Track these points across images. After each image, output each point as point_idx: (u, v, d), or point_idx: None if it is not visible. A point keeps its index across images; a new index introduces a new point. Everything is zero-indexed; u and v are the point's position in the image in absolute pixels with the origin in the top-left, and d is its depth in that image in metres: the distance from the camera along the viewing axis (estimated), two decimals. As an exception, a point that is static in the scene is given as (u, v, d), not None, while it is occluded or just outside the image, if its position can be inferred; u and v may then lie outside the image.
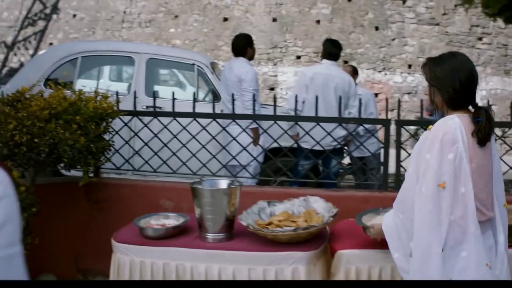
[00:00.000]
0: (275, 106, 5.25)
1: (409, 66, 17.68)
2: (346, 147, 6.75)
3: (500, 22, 17.73)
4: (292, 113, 6.05)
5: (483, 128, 2.85)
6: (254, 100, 5.35)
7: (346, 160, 8.17)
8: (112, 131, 5.04)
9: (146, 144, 5.31)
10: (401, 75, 17.67)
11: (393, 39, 17.74)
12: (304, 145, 5.71)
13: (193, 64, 7.45)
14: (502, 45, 17.83)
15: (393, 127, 5.06)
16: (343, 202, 4.78)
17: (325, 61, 6.65)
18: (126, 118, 5.25)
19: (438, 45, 17.67)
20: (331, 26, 17.56)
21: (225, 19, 17.95)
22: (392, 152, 5.03)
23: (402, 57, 17.70)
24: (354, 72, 7.42)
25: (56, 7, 18.57)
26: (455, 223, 2.75)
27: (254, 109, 5.34)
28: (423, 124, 5.21)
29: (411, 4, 17.86)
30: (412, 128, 10.85)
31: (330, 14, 17.75)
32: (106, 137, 4.97)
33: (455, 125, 2.84)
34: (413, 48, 17.71)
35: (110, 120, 4.87)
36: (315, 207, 3.98)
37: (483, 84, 17.69)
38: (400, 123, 5.04)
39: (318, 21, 17.67)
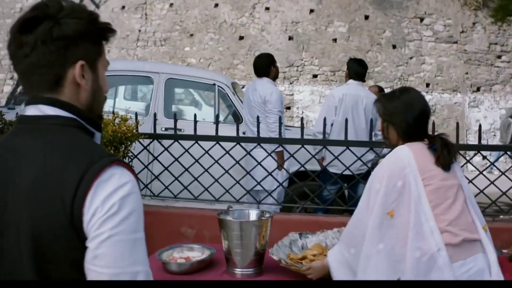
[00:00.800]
0: (302, 128, 4.99)
1: (427, 85, 17.43)
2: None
3: (519, 40, 17.49)
4: (320, 136, 5.77)
5: (441, 154, 2.93)
6: (280, 123, 5.09)
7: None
8: (131, 155, 4.80)
9: (166, 168, 5.06)
10: (419, 94, 17.36)
11: (411, 58, 17.51)
12: (332, 170, 5.42)
13: (214, 84, 7.22)
14: (521, 63, 17.57)
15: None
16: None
17: (351, 81, 6.38)
18: (145, 141, 5.02)
19: (456, 63, 17.44)
20: (348, 45, 17.36)
21: (241, 38, 17.80)
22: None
23: (420, 75, 17.46)
24: (380, 92, 7.16)
25: (71, 25, 18.46)
26: (412, 254, 2.75)
27: (280, 132, 5.08)
28: (460, 148, 4.93)
29: (429, 22, 17.65)
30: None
31: (347, 32, 17.56)
32: (126, 161, 4.74)
33: (403, 153, 2.91)
34: (431, 67, 17.47)
35: (129, 143, 4.63)
36: None
37: (502, 103, 17.41)
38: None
39: (335, 40, 17.48)
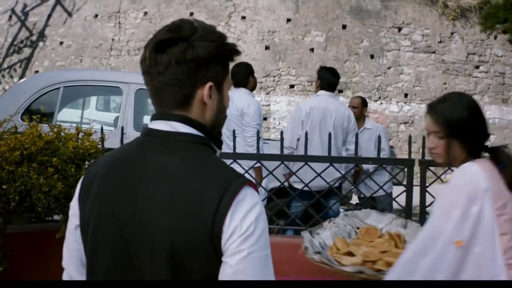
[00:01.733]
0: (282, 143, 4.63)
1: (405, 95, 17.25)
2: (353, 185, 6.11)
3: (496, 50, 17.39)
4: (286, 152, 5.42)
5: None
6: (258, 137, 4.73)
7: (354, 200, 7.59)
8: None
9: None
10: (397, 104, 17.23)
11: (389, 68, 17.32)
12: (298, 186, 5.05)
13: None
14: (499, 73, 17.47)
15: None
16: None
17: (322, 92, 5.95)
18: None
19: (434, 74, 17.29)
20: (325, 54, 17.12)
21: (216, 47, 17.45)
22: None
23: (398, 86, 17.27)
24: (363, 104, 6.80)
25: (43, 34, 18.05)
26: None
27: (258, 147, 4.71)
28: (451, 165, 4.62)
29: (407, 32, 17.49)
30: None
31: (324, 42, 17.33)
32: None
33: (475, 173, 2.49)
34: (409, 77, 17.30)
35: (93, 161, 4.24)
36: (372, 224, 3.31)
37: (481, 114, 17.24)
38: (426, 164, 4.44)
39: (312, 49, 17.24)
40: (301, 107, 5.89)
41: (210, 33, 1.63)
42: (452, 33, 17.52)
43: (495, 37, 17.42)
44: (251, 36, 17.40)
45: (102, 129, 4.69)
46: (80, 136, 4.24)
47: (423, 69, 17.37)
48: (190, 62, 1.59)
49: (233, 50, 1.68)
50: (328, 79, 5.98)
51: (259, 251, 1.52)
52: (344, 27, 17.50)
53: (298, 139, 5.66)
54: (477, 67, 17.46)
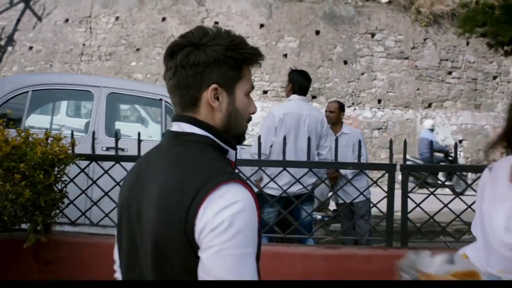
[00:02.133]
0: (259, 149, 4.49)
1: (379, 101, 17.24)
2: (331, 192, 5.98)
3: (469, 56, 17.49)
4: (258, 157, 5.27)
5: None
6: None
7: (332, 206, 7.47)
8: (66, 180, 4.23)
9: (106, 194, 4.50)
10: (370, 110, 17.22)
11: (362, 73, 17.31)
12: (270, 192, 4.90)
13: (161, 99, 6.61)
14: (471, 79, 17.57)
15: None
16: (342, 263, 4.10)
17: (294, 97, 5.76)
18: (83, 163, 4.45)
19: (407, 79, 17.32)
20: (298, 60, 17.04)
21: (189, 52, 17.28)
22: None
23: (372, 91, 17.27)
24: (341, 109, 6.68)
25: (12, 38, 17.72)
26: None
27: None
28: (433, 169, 4.51)
29: (380, 38, 17.51)
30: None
31: (297, 47, 17.26)
32: (59, 186, 4.18)
33: None
34: (383, 83, 17.31)
35: (63, 166, 4.06)
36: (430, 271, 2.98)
37: (453, 119, 17.35)
38: (407, 169, 4.33)
39: (285, 55, 17.17)
40: (274, 113, 5.69)
41: (220, 37, 1.69)
42: (425, 39, 17.58)
43: (467, 43, 17.51)
44: (224, 41, 17.25)
45: (72, 133, 4.51)
46: (49, 141, 4.06)
47: (396, 75, 17.39)
48: (194, 65, 1.66)
49: (248, 54, 1.71)
50: (299, 82, 5.81)
51: (234, 248, 1.52)
52: (317, 32, 17.46)
53: (271, 146, 5.50)
54: (449, 73, 17.53)
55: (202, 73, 1.68)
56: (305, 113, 5.65)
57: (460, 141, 17.23)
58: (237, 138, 1.79)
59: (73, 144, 4.31)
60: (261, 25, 17.40)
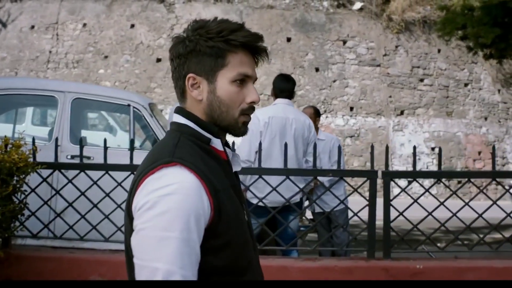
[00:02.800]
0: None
1: (351, 109, 17.15)
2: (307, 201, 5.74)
3: (440, 63, 17.49)
4: (246, 165, 5.00)
5: None
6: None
7: (308, 215, 7.24)
8: (26, 190, 3.95)
9: (70, 204, 4.25)
10: (342, 118, 17.11)
11: (334, 81, 17.20)
12: (255, 201, 4.63)
13: (129, 105, 6.29)
14: (443, 86, 17.59)
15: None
16: (323, 275, 3.88)
17: (279, 101, 5.54)
18: (46, 172, 4.16)
19: (379, 87, 17.26)
20: (269, 67, 16.85)
21: (158, 60, 17.09)
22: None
23: (344, 99, 17.17)
24: (316, 115, 6.45)
25: (-25, 46, 17.29)
26: None
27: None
28: (417, 175, 4.30)
29: (352, 45, 17.44)
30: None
31: (268, 54, 17.04)
32: (19, 196, 3.90)
33: None
34: (355, 90, 17.23)
35: (23, 176, 3.77)
36: None
37: (425, 126, 17.31)
38: (389, 175, 4.11)
39: (256, 62, 16.94)
40: (258, 117, 5.42)
41: (204, 27, 1.69)
42: (396, 46, 17.56)
43: (439, 51, 17.54)
44: (194, 48, 17.05)
45: (33, 140, 4.21)
46: (8, 148, 3.77)
47: (368, 82, 17.33)
48: (177, 58, 1.72)
49: (232, 40, 1.68)
50: (279, 86, 5.58)
51: (151, 229, 1.50)
52: (288, 40, 17.33)
53: (257, 152, 5.24)
54: (421, 80, 17.53)
55: (183, 64, 1.71)
56: (291, 117, 5.41)
57: (433, 149, 17.19)
58: (228, 128, 1.75)
59: (34, 152, 4.02)
60: (232, 32, 17.21)
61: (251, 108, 1.75)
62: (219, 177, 1.66)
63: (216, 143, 1.73)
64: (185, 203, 1.52)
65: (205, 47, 1.68)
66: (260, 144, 4.44)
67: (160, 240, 1.49)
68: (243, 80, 1.72)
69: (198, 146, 1.68)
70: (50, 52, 17.30)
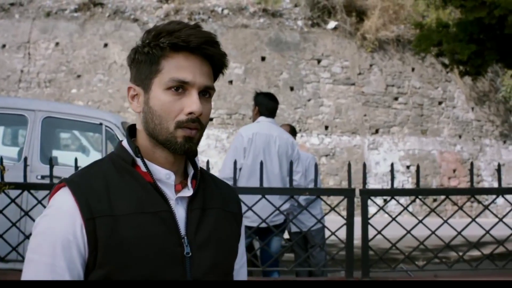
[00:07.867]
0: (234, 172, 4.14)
1: (326, 128, 17.14)
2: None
3: (414, 81, 17.60)
4: (229, 183, 4.89)
5: None
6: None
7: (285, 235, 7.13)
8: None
9: (40, 226, 4.06)
10: (318, 137, 17.09)
11: (309, 100, 17.21)
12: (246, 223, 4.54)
13: (101, 123, 6.18)
14: (418, 105, 17.70)
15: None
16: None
17: (262, 118, 5.49)
18: (14, 193, 4.01)
19: (354, 105, 17.30)
20: (244, 87, 16.83)
21: (132, 79, 16.92)
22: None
23: (319, 118, 17.16)
24: (292, 132, 6.39)
25: None
26: None
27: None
28: (395, 193, 4.23)
29: (326, 64, 17.48)
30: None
31: (243, 74, 17.06)
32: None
33: None
34: (329, 109, 17.24)
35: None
36: None
37: (400, 145, 17.37)
38: (367, 193, 4.04)
39: (230, 82, 16.92)
40: (242, 134, 5.36)
41: (148, 33, 1.54)
42: (371, 65, 17.64)
43: (413, 69, 17.66)
44: (168, 67, 16.96)
45: (1, 159, 4.08)
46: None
47: (343, 101, 17.36)
48: (130, 68, 1.60)
49: (163, 43, 1.49)
50: (267, 105, 5.53)
51: (28, 253, 1.45)
52: (263, 59, 17.32)
53: (241, 169, 5.16)
54: (396, 98, 17.62)
55: (130, 75, 1.59)
56: (275, 134, 5.37)
57: (408, 167, 17.24)
58: (165, 144, 1.50)
59: (1, 171, 3.89)
60: (206, 51, 17.16)
61: (191, 121, 1.49)
62: (124, 201, 1.46)
63: (138, 162, 1.53)
64: (54, 226, 1.42)
65: (142, 54, 1.52)
66: (235, 162, 4.35)
67: (27, 261, 1.44)
68: (181, 88, 1.49)
69: (116, 167, 1.52)
70: (21, 71, 17.09)
